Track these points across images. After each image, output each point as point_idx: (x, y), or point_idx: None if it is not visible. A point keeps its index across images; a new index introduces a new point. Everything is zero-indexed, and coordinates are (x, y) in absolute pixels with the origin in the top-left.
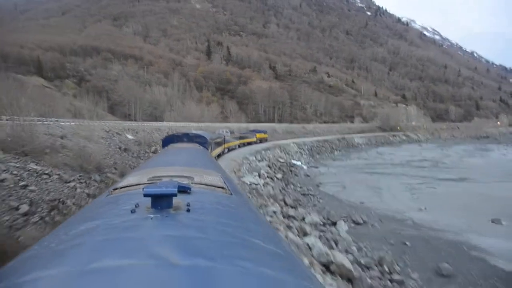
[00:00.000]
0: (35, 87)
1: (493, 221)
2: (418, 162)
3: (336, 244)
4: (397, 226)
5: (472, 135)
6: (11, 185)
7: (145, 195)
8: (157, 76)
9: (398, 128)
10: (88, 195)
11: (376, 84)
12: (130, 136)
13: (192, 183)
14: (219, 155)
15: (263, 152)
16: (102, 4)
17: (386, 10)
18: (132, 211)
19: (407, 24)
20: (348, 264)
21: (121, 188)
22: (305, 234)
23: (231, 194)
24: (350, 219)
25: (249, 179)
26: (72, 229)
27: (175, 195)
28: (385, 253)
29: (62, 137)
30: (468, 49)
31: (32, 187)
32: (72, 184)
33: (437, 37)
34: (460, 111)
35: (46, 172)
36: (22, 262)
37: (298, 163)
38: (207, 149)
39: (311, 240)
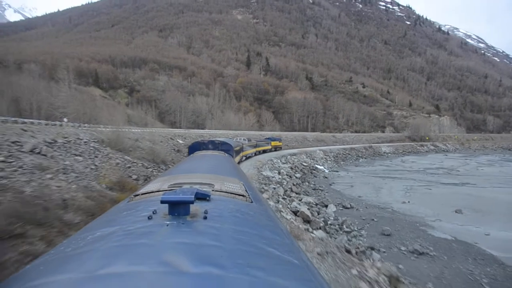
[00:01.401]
0: (96, 97)
1: (456, 211)
2: (434, 169)
3: (318, 214)
4: (376, 211)
5: (505, 146)
6: (122, 166)
7: (162, 202)
8: (200, 87)
9: (427, 138)
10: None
11: (412, 94)
12: (180, 141)
13: (212, 190)
14: (237, 163)
15: (288, 156)
16: (148, 16)
17: (426, 18)
18: (149, 218)
19: (448, 33)
20: (307, 212)
21: (142, 194)
22: (292, 201)
23: (251, 202)
24: (341, 205)
25: (267, 173)
26: (89, 234)
27: (192, 202)
28: (348, 218)
29: (136, 140)
30: None
31: (132, 168)
32: (150, 169)
33: (481, 45)
34: (499, 122)
35: (134, 161)
36: (35, 267)
37: (321, 167)
38: (232, 156)
39: (293, 203)
